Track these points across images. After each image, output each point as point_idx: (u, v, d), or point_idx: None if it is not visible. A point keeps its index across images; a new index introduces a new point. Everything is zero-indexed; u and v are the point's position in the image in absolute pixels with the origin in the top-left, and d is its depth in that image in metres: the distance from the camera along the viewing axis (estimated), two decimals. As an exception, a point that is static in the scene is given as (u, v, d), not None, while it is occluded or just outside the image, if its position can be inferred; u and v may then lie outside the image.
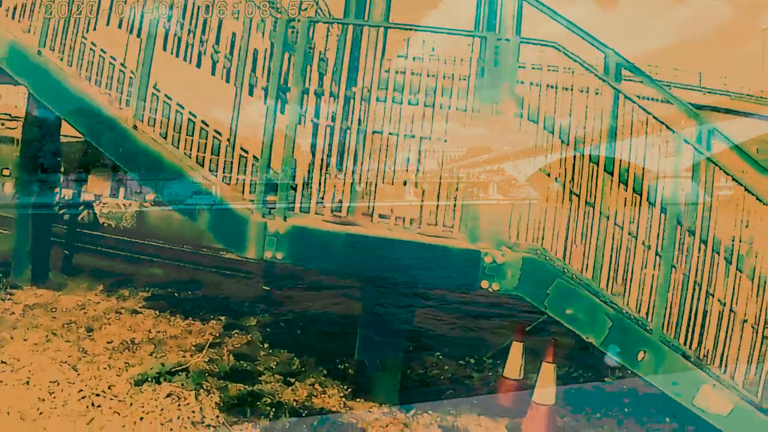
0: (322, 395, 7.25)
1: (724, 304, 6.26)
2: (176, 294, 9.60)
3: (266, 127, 6.08)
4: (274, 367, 7.77)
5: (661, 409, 7.06)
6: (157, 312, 8.97)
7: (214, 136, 6.63)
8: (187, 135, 6.62)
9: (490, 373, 7.72)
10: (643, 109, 6.11)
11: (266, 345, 8.26)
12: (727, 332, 6.28)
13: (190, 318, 8.89)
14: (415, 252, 6.06)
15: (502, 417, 7.05)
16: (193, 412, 6.63)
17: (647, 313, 6.13)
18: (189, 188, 6.30)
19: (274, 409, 6.85)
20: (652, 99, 6.43)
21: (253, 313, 9.02)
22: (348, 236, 6.06)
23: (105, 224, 13.03)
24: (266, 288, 9.02)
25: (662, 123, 6.06)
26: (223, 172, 6.52)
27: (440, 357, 8.32)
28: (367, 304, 7.18)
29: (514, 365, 7.26)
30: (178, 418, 6.47)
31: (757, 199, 6.09)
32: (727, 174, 6.06)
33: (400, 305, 6.93)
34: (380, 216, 6.42)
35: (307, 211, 6.25)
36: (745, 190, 6.07)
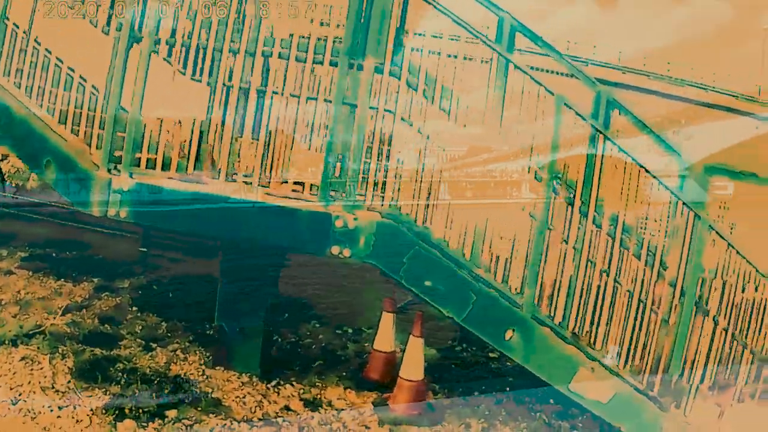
0: (182, 362, 6.52)
1: (608, 276, 5.46)
2: (54, 254, 8.80)
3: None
4: (138, 331, 7.03)
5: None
6: (30, 272, 8.17)
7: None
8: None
9: (367, 344, 6.94)
10: (533, 79, 5.25)
11: (135, 308, 7.49)
12: (611, 310, 5.51)
13: (63, 279, 8.08)
14: (260, 213, 5.24)
15: (371, 391, 6.32)
16: (45, 376, 5.99)
17: (517, 289, 5.32)
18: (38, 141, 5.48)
19: (126, 376, 6.15)
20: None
21: (127, 275, 8.24)
22: (193, 195, 5.23)
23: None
24: (143, 249, 8.24)
25: (549, 91, 5.21)
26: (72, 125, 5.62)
27: (316, 326, 7.57)
28: (223, 268, 6.39)
29: (384, 337, 6.51)
30: (29, 382, 5.84)
31: (647, 171, 5.49)
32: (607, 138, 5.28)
33: (256, 270, 6.14)
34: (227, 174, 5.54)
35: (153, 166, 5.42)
36: (634, 161, 5.47)
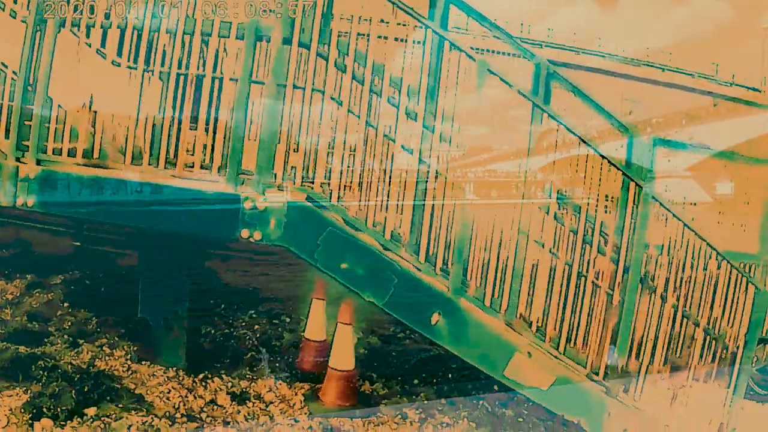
0: (108, 357, 6.11)
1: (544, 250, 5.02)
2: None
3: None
4: (67, 327, 6.61)
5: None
6: (-40, 271, 7.78)
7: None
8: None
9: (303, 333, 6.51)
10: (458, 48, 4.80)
11: (66, 304, 7.06)
12: (548, 288, 5.06)
13: (-2, 278, 7.69)
14: (170, 196, 4.79)
15: (303, 383, 5.90)
16: (-35, 378, 5.54)
17: (443, 269, 4.86)
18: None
19: (47, 373, 5.74)
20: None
21: (60, 271, 7.80)
22: (97, 180, 4.79)
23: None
24: (76, 243, 7.81)
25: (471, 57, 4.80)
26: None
27: (253, 315, 7.12)
28: (141, 258, 5.96)
29: (315, 325, 6.06)
30: (-51, 384, 5.39)
31: (582, 140, 5.05)
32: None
33: (173, 259, 5.71)
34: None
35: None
36: (567, 129, 5.01)
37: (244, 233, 4.74)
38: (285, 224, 4.73)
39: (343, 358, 5.64)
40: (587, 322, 5.28)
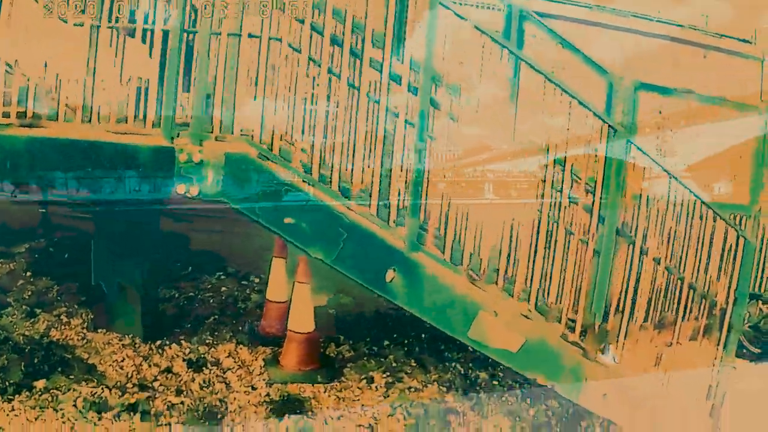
0: (64, 327, 5.76)
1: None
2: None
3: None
4: (27, 297, 6.26)
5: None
6: None
7: None
8: None
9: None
10: None
11: (29, 273, 6.71)
12: (513, 239, 4.65)
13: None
14: (104, 153, 4.37)
15: (265, 346, 5.52)
16: None
17: (397, 220, 4.44)
18: None
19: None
20: None
21: (25, 240, 7.45)
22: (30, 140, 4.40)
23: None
24: (42, 210, 7.46)
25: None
26: None
27: (221, 277, 6.73)
28: (94, 221, 5.59)
29: (277, 286, 5.66)
30: None
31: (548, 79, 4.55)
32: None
33: (120, 221, 5.32)
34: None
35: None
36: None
37: (180, 188, 4.34)
38: (224, 177, 4.32)
39: (301, 319, 5.25)
40: (560, 277, 4.84)
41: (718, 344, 5.34)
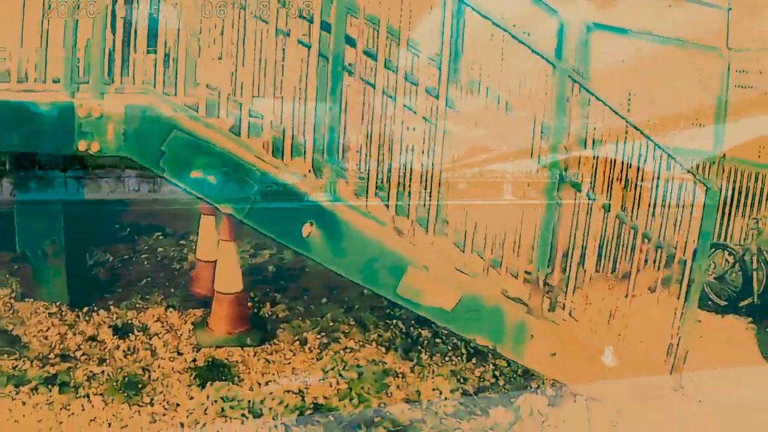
0: (-9, 299, 5.41)
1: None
2: None
3: None
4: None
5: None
6: None
7: None
8: None
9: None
10: None
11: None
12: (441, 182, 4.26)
13: None
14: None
15: (196, 309, 5.15)
16: None
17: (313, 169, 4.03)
18: None
19: None
20: None
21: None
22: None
23: None
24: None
25: None
26: None
27: (159, 238, 6.33)
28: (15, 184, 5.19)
29: (206, 244, 5.24)
30: None
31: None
32: None
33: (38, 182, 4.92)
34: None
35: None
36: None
37: (81, 145, 3.92)
38: (125, 131, 3.89)
39: (228, 279, 4.86)
40: (500, 225, 4.42)
41: (678, 297, 4.92)
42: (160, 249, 6.12)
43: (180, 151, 3.91)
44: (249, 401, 4.31)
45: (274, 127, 3.99)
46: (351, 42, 4.03)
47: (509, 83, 4.55)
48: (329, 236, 4.07)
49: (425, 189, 4.26)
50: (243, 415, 4.26)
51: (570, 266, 4.58)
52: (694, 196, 4.90)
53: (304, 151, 4.01)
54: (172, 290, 5.44)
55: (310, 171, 4.04)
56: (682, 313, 4.91)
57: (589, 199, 4.55)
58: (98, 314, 5.15)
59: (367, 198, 4.15)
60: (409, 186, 4.18)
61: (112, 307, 5.23)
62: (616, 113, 4.50)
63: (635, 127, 4.62)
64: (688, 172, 4.88)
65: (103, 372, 4.54)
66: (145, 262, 5.92)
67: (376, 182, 4.13)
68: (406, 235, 4.18)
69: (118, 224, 6.22)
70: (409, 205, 4.16)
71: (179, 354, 4.77)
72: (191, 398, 4.35)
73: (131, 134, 3.87)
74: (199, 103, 3.96)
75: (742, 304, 5.78)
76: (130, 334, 4.94)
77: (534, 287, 4.43)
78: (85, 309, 5.20)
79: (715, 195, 4.87)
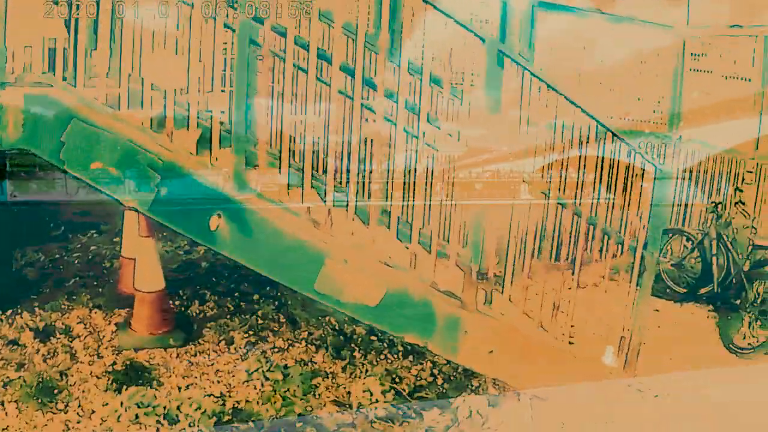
0: None
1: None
2: None
3: None
4: None
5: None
6: None
7: None
8: None
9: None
10: None
11: None
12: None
13: None
14: None
15: (121, 308, 4.85)
16: None
17: (219, 158, 3.76)
18: None
19: None
20: None
21: None
22: None
23: None
24: None
25: None
26: None
27: (93, 236, 6.01)
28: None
29: (129, 241, 4.94)
30: None
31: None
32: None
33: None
34: None
35: None
36: None
37: (-18, 139, 3.65)
38: (24, 122, 3.61)
39: (147, 278, 4.55)
40: (425, 213, 4.12)
41: (630, 286, 4.60)
42: (93, 247, 5.80)
43: (80, 141, 3.63)
44: (164, 407, 4.02)
45: (179, 117, 3.70)
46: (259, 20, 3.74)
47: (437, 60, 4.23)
48: (239, 229, 3.79)
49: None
50: (158, 421, 3.98)
51: (507, 257, 4.28)
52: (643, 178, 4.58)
53: (211, 141, 3.72)
54: (100, 290, 5.13)
55: (217, 160, 3.76)
56: (634, 305, 4.60)
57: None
58: (21, 317, 4.86)
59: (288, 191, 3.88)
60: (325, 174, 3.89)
61: (37, 309, 4.93)
62: (560, 94, 4.18)
63: (574, 104, 4.31)
64: (635, 151, 4.56)
65: (20, 377, 4.26)
66: (76, 261, 5.61)
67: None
68: (322, 226, 3.89)
69: (53, 222, 5.91)
70: (325, 191, 3.87)
71: (99, 357, 4.48)
72: (105, 404, 4.07)
73: (31, 125, 3.60)
74: (100, 93, 3.69)
75: (702, 291, 5.44)
76: (52, 337, 4.66)
77: (467, 279, 4.13)
78: (9, 311, 4.91)
79: (665, 176, 4.55)
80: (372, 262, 3.97)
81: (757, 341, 5.00)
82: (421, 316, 4.07)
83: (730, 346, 5.07)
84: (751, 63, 5.58)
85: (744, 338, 5.06)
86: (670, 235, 5.61)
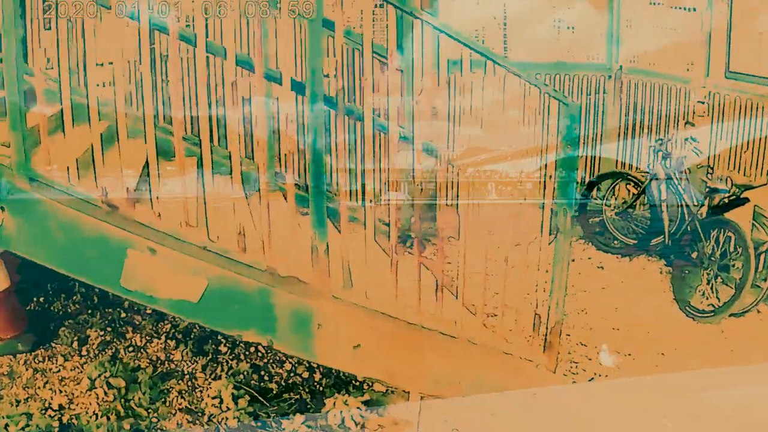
0: None
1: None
2: None
3: None
4: None
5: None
6: None
7: None
8: None
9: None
10: None
11: None
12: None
13: None
14: None
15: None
16: None
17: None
18: None
19: None
20: None
21: None
22: None
23: None
24: None
25: None
26: None
27: None
28: None
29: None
30: None
31: None
32: None
33: None
34: None
35: None
36: None
37: None
38: None
39: (-7, 275, 4.01)
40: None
41: (540, 250, 3.71)
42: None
43: None
44: (-8, 425, 3.51)
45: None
46: None
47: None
48: (26, 221, 3.18)
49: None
50: (-21, 444, 3.48)
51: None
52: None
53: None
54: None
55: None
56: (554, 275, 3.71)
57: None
58: None
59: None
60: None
61: None
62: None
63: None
64: (541, 90, 3.63)
65: None
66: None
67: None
68: (122, 210, 3.22)
69: None
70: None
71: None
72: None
73: None
74: None
75: (653, 243, 4.43)
76: None
77: (315, 259, 3.38)
78: None
79: (573, 113, 3.60)
80: (190, 249, 3.28)
81: (719, 302, 4.00)
82: (258, 310, 3.37)
83: (687, 308, 4.08)
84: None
85: (704, 298, 4.07)
86: (613, 181, 4.59)
